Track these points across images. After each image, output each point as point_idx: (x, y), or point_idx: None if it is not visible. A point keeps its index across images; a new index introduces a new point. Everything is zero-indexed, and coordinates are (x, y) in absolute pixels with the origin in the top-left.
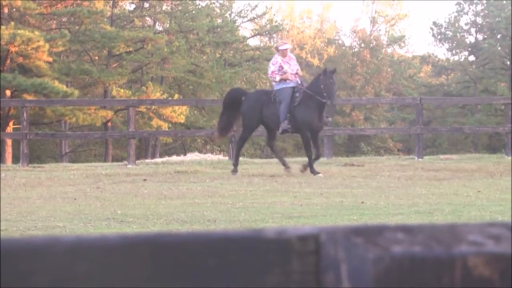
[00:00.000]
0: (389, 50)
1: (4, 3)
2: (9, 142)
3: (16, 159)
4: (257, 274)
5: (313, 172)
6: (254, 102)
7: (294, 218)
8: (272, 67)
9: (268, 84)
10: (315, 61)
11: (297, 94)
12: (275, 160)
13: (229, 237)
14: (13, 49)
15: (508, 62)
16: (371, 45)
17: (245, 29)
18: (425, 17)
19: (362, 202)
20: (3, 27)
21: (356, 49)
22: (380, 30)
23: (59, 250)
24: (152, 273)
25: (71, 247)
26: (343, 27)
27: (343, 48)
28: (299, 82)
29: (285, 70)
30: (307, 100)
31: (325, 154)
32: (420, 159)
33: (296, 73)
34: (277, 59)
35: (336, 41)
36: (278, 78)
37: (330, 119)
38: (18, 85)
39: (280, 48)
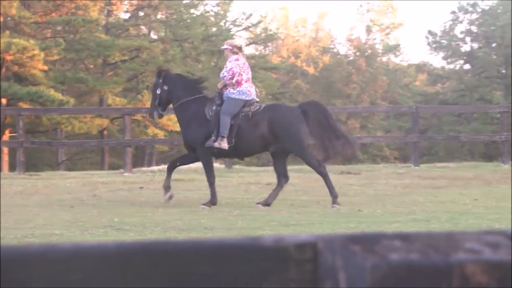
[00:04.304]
0: (384, 59)
1: None
2: (5, 150)
3: (12, 167)
4: (254, 282)
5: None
6: None
7: (291, 226)
8: None
9: (264, 93)
10: (311, 70)
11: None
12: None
13: (226, 245)
14: (8, 57)
15: (504, 71)
16: (366, 53)
17: (240, 38)
18: (420, 25)
19: (359, 210)
20: None
21: (351, 58)
22: (375, 38)
23: (56, 257)
24: (149, 281)
25: (68, 255)
26: (338, 36)
27: (338, 56)
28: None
29: None
30: None
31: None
32: (416, 167)
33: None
34: None
35: (331, 50)
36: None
37: None
38: (13, 94)
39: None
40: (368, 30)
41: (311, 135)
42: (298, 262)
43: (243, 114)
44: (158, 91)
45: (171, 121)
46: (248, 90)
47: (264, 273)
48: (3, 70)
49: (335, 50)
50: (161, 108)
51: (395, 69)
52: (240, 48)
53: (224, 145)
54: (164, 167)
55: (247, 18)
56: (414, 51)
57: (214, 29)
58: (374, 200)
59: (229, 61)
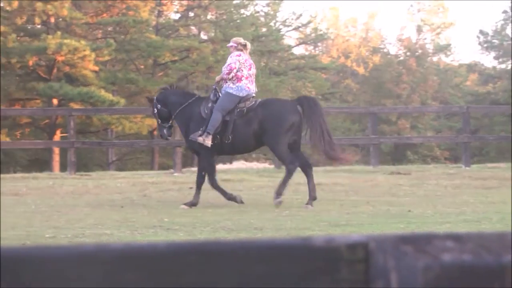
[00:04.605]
0: (435, 59)
1: (50, 13)
2: (56, 150)
3: (63, 167)
4: (305, 282)
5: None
6: None
7: (341, 227)
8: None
9: (313, 93)
10: (361, 70)
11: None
12: (321, 168)
13: (277, 245)
14: (60, 58)
15: None
16: (417, 53)
17: (290, 38)
18: (472, 25)
19: (409, 211)
20: (50, 36)
21: (401, 58)
22: (425, 38)
23: (108, 257)
24: (199, 281)
25: (120, 255)
26: (388, 36)
27: (389, 56)
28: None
29: None
30: None
31: (371, 163)
32: (467, 168)
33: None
34: None
35: (382, 50)
36: None
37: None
38: (65, 94)
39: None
40: (419, 30)
41: (305, 128)
42: (350, 262)
43: (238, 110)
44: (155, 111)
45: None
46: (247, 87)
47: (315, 273)
48: (55, 70)
49: (385, 50)
50: (166, 124)
51: (445, 69)
52: (244, 46)
53: (208, 142)
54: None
55: (297, 18)
56: (465, 50)
57: (264, 29)
58: (424, 201)
59: (230, 57)
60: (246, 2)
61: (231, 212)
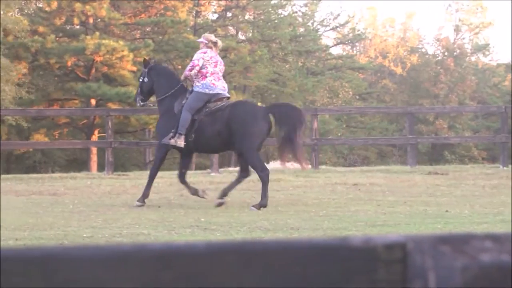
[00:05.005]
0: (473, 59)
1: (89, 13)
2: (94, 150)
3: (101, 167)
4: (343, 282)
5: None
6: None
7: (378, 227)
8: None
9: (351, 93)
10: (398, 70)
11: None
12: (358, 168)
13: (315, 245)
14: (98, 58)
15: None
16: (455, 53)
17: (327, 38)
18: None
19: (446, 211)
20: (88, 37)
21: (439, 58)
22: (464, 38)
23: (147, 257)
24: (238, 281)
25: (158, 255)
26: (426, 36)
27: (426, 56)
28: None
29: None
30: None
31: (409, 163)
32: (505, 168)
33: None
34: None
35: (419, 50)
36: None
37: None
38: (103, 94)
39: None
40: (457, 29)
41: (275, 135)
42: (387, 262)
43: (207, 109)
44: (141, 80)
45: None
46: (213, 83)
47: (352, 273)
48: (93, 71)
49: (423, 50)
50: (143, 97)
51: (484, 69)
52: (215, 44)
53: (181, 143)
54: (250, 167)
55: (335, 18)
56: (504, 50)
57: (301, 29)
58: (461, 201)
59: (196, 53)
60: (284, 2)
61: (268, 212)
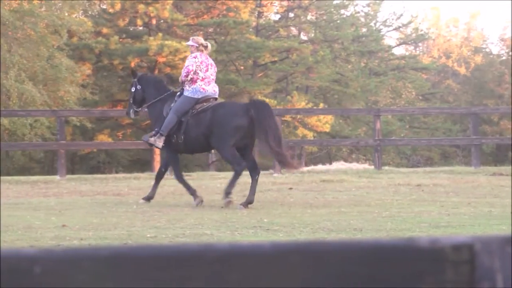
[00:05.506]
0: None
1: (152, 14)
2: (157, 151)
3: None
4: (410, 283)
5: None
6: None
7: (442, 228)
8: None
9: (414, 93)
10: (462, 70)
11: None
12: (421, 169)
13: (381, 246)
14: (161, 59)
15: None
16: None
17: (390, 38)
18: None
19: None
20: (151, 38)
21: (504, 58)
22: None
23: (213, 257)
24: (304, 281)
25: (225, 255)
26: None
27: (491, 56)
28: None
29: None
30: None
31: (473, 164)
32: None
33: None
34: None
35: (484, 50)
36: None
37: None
38: None
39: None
40: None
41: (254, 133)
42: (455, 263)
43: (193, 111)
44: (133, 89)
45: (320, 121)
46: (202, 88)
47: (419, 274)
48: (156, 72)
49: (487, 50)
50: (135, 107)
51: None
52: (206, 47)
53: (159, 143)
54: (313, 167)
55: (398, 18)
56: None
57: (364, 29)
58: None
59: (188, 59)
60: (347, 3)
61: (331, 212)
